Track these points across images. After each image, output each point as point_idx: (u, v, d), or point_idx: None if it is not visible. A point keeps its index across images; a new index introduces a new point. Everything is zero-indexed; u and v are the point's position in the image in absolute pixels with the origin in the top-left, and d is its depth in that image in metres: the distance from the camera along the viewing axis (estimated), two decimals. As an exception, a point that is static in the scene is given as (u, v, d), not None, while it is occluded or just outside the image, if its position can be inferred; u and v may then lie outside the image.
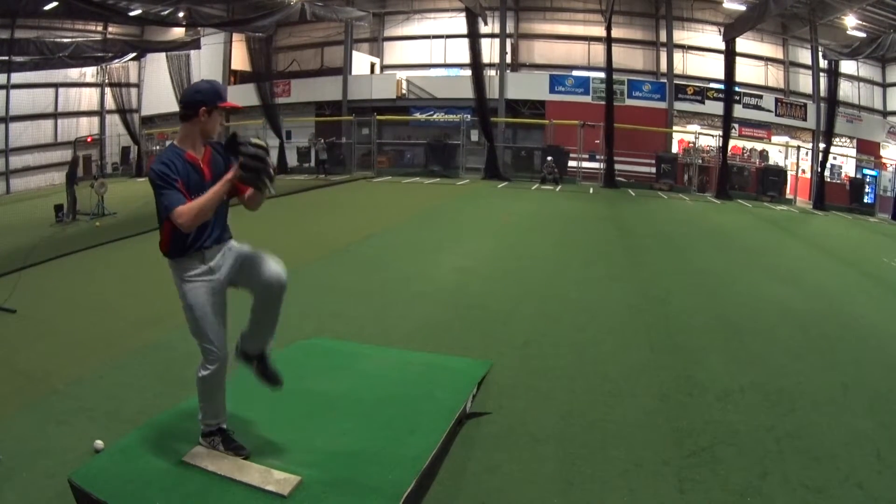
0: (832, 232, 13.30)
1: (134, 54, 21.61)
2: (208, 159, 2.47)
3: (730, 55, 18.58)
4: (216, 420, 2.57)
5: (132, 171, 23.92)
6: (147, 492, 2.31)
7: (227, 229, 2.57)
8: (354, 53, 23.96)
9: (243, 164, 2.29)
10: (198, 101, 2.40)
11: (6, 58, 15.94)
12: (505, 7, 22.53)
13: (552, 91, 21.79)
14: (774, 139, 21.63)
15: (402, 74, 23.35)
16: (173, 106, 22.76)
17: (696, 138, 21.56)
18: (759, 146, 21.85)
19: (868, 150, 21.39)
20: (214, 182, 2.36)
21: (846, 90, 20.93)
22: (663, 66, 22.33)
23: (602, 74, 20.13)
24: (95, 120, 24.71)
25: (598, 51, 21.89)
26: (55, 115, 22.93)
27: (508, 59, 22.87)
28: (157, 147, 25.71)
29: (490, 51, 21.84)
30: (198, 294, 2.43)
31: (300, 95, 24.09)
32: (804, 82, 22.34)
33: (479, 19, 19.36)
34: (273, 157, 22.22)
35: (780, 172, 19.51)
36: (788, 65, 22.70)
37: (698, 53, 22.59)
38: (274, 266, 2.52)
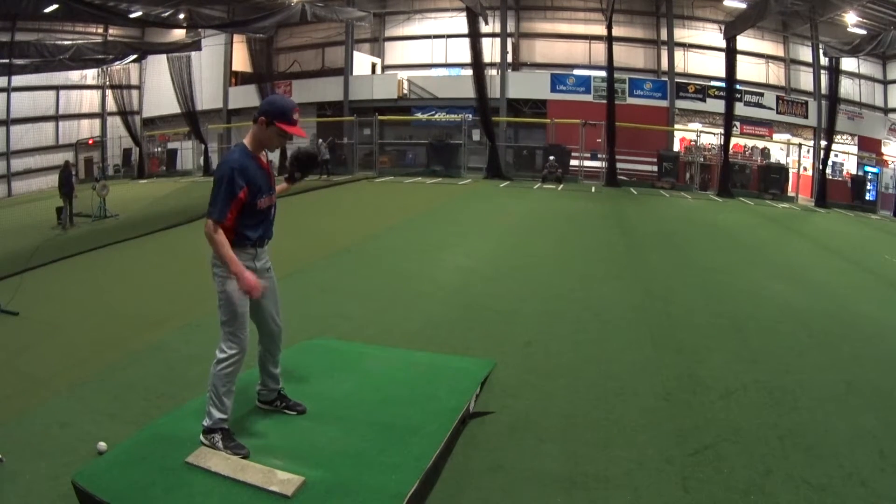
0: (834, 229, 13.27)
1: (135, 56, 21.60)
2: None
3: (730, 53, 18.53)
4: (222, 416, 2.59)
5: (134, 172, 23.96)
6: (150, 493, 2.31)
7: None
8: (355, 54, 23.95)
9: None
10: (264, 110, 2.62)
11: (7, 60, 15.97)
12: (506, 6, 22.51)
13: (553, 90, 21.77)
14: (776, 137, 21.59)
15: (403, 74, 23.34)
16: (174, 107, 22.89)
17: (697, 136, 21.53)
18: (760, 144, 21.80)
19: (869, 147, 21.35)
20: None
21: (847, 87, 20.86)
22: (664, 65, 22.30)
23: (603, 73, 20.08)
24: (97, 122, 24.76)
25: (599, 49, 21.85)
26: (56, 118, 22.97)
27: (509, 58, 22.85)
28: (159, 149, 25.81)
29: (491, 50, 21.84)
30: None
31: (301, 96, 24.06)
32: (805, 80, 22.30)
33: (480, 19, 19.33)
34: (274, 160, 22.32)
35: (782, 170, 19.48)
36: (789, 62, 22.65)
37: (699, 51, 22.55)
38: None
